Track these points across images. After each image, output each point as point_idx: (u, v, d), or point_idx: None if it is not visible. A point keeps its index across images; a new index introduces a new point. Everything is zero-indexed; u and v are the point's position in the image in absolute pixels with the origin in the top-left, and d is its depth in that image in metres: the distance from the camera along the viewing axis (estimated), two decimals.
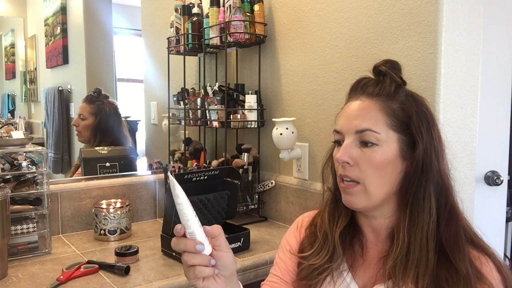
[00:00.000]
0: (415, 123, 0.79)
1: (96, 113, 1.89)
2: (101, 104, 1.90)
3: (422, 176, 0.78)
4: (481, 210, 1.37)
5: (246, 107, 1.71)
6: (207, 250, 0.73)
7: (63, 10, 1.97)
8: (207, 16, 1.76)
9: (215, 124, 1.77)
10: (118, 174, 1.79)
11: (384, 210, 0.83)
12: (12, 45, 2.03)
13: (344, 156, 0.80)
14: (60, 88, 1.98)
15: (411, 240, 0.77)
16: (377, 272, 0.82)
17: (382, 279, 0.80)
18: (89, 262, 1.26)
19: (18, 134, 1.43)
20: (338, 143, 0.84)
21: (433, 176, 0.78)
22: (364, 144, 0.79)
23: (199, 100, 1.85)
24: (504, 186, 1.46)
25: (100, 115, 1.89)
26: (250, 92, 1.74)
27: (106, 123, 1.91)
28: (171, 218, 1.32)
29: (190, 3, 1.87)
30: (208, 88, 1.79)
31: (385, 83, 0.82)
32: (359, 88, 0.84)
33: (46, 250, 1.37)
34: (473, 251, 0.78)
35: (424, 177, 0.78)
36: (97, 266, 1.23)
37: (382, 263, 0.82)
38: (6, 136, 1.54)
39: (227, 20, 1.66)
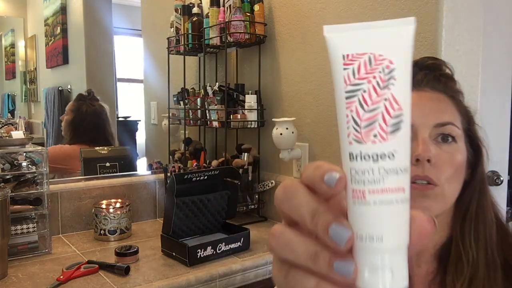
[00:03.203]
0: (473, 127, 0.70)
1: (73, 110, 1.93)
2: (81, 103, 1.94)
3: (483, 184, 0.69)
4: None
5: (246, 107, 1.71)
6: None
7: (63, 10, 1.97)
8: (207, 16, 1.76)
9: (215, 124, 1.77)
10: (118, 174, 1.79)
11: (439, 223, 0.68)
12: (12, 45, 2.03)
13: (428, 152, 0.63)
14: (60, 88, 1.98)
15: (475, 258, 0.65)
16: None
17: None
18: (89, 262, 1.26)
19: (18, 134, 1.43)
20: None
21: (487, 185, 0.69)
22: (445, 139, 0.66)
23: (199, 100, 1.85)
24: (504, 186, 1.46)
25: (76, 113, 1.93)
26: (250, 92, 1.74)
27: (80, 121, 1.94)
28: (171, 218, 1.32)
29: (190, 3, 1.87)
30: (208, 88, 1.79)
31: (445, 77, 0.73)
32: (420, 79, 0.71)
33: (46, 250, 1.37)
34: None
35: (484, 186, 0.69)
36: (97, 266, 1.23)
37: None
38: (6, 136, 1.54)
39: (227, 20, 1.66)
